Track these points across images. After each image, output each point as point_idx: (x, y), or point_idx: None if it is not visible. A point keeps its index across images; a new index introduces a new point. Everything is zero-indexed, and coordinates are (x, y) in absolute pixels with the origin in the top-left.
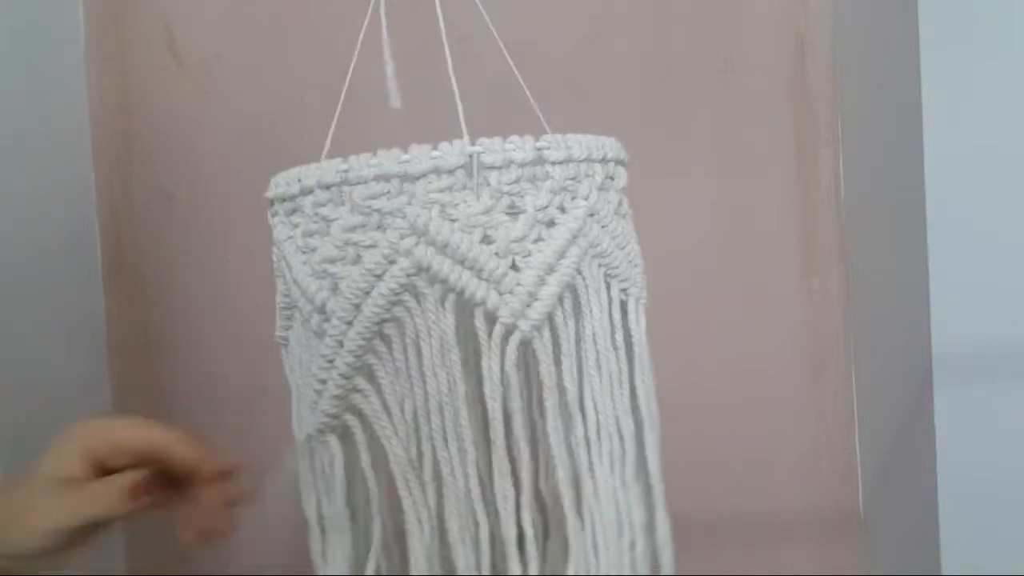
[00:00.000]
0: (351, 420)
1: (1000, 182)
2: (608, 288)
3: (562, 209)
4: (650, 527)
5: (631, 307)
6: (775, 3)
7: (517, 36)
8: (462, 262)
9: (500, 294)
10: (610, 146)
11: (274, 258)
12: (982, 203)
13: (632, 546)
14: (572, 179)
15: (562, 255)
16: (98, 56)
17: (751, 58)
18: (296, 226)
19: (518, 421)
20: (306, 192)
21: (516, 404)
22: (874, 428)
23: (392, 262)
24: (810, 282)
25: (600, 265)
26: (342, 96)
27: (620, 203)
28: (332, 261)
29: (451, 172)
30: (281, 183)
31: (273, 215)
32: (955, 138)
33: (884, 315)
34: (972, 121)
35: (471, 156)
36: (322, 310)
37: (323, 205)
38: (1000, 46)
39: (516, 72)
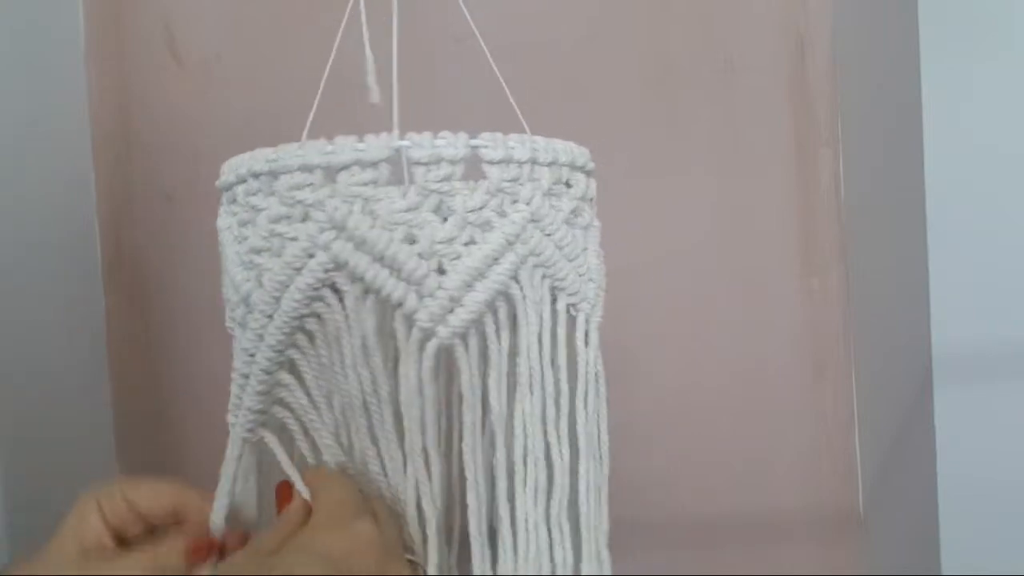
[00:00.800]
0: (281, 412)
1: (1000, 182)
2: (553, 301)
3: (501, 213)
4: (576, 570)
5: (580, 323)
6: (775, 3)
7: (517, 36)
8: (380, 260)
9: (420, 297)
10: (564, 151)
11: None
12: (982, 203)
13: None
14: (511, 181)
15: (495, 261)
16: (98, 56)
17: (751, 58)
18: (233, 215)
19: (430, 435)
20: (240, 180)
21: (430, 416)
22: (874, 428)
23: (311, 256)
24: (810, 282)
25: (544, 276)
26: (319, 91)
27: (576, 212)
28: (258, 252)
29: (375, 166)
30: (224, 171)
31: (219, 203)
32: (955, 138)
33: (884, 315)
34: (972, 121)
35: (397, 150)
36: (246, 301)
37: (254, 194)
38: (1000, 46)
39: (496, 71)
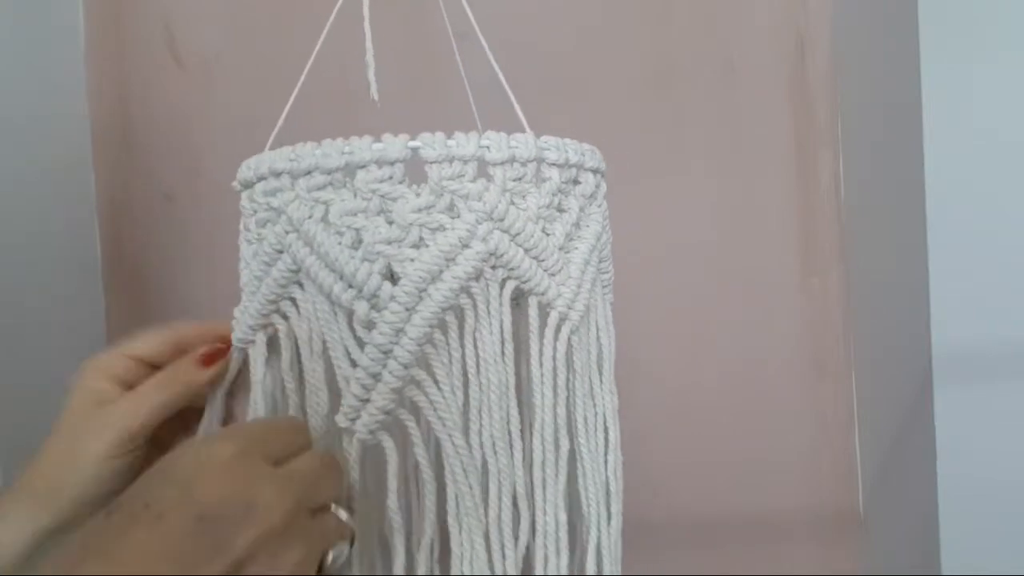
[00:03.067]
0: (403, 414)
1: (1000, 182)
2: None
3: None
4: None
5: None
6: (775, 3)
7: (517, 35)
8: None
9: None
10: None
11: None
12: (982, 203)
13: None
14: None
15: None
16: (98, 56)
17: (751, 58)
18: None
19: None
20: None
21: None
22: (874, 428)
23: (466, 246)
24: (810, 282)
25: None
26: (297, 88)
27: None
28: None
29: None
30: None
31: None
32: (955, 138)
33: (884, 315)
34: (972, 121)
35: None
36: (374, 297)
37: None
38: (1000, 46)
39: (498, 70)
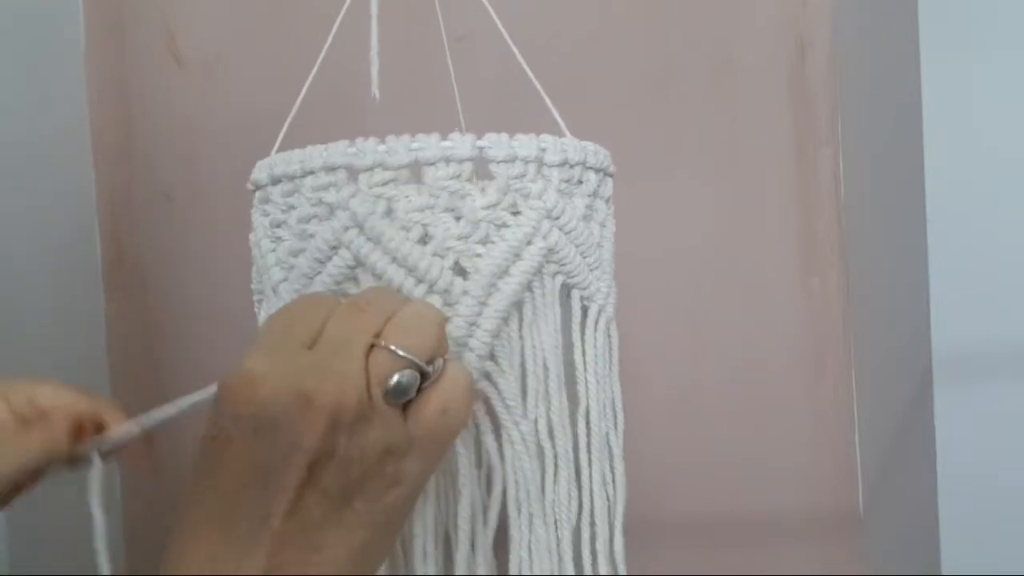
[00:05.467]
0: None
1: (1000, 182)
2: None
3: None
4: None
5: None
6: (775, 3)
7: (516, 35)
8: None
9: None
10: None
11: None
12: (982, 203)
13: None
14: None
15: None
16: (98, 56)
17: (751, 58)
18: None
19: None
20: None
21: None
22: (874, 428)
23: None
24: (810, 282)
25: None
26: (305, 87)
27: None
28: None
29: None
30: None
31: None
32: (955, 138)
33: (884, 315)
34: (972, 121)
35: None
36: (448, 291)
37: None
38: (1000, 46)
39: (526, 67)
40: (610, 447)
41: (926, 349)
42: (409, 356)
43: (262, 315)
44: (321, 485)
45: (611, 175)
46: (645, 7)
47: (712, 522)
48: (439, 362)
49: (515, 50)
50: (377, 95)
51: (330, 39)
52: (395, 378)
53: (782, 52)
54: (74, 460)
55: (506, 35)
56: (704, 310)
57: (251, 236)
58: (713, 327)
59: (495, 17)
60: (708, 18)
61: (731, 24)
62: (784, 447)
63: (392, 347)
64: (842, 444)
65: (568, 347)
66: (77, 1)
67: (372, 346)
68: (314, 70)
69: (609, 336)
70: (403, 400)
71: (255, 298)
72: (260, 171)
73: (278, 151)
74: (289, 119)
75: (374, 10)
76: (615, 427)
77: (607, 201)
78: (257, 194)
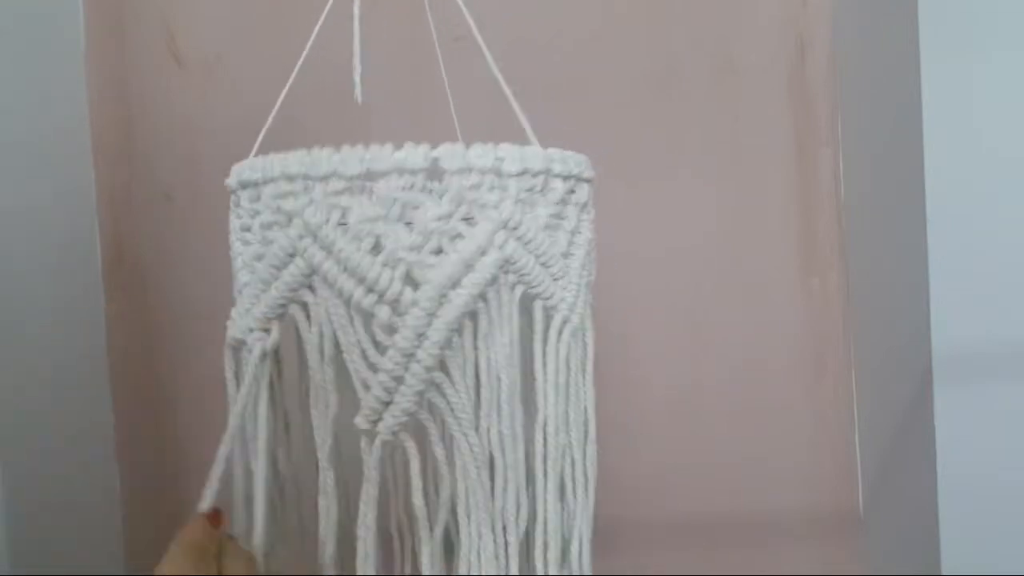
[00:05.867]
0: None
1: (1000, 182)
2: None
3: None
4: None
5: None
6: (775, 3)
7: (517, 35)
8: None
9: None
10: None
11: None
12: (982, 203)
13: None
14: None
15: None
16: (98, 56)
17: (751, 58)
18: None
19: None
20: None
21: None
22: (874, 428)
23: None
24: (810, 282)
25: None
26: (284, 91)
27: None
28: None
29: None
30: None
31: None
32: (955, 138)
33: (884, 315)
34: (972, 121)
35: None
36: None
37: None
38: (1000, 46)
39: (497, 72)
40: (573, 457)
41: (926, 349)
42: None
43: (228, 325)
44: None
45: (587, 180)
46: (647, 7)
47: (712, 522)
48: None
49: (488, 55)
50: (359, 100)
51: (312, 38)
52: None
53: (783, 52)
54: None
55: (481, 43)
56: (704, 310)
57: (230, 238)
58: (713, 327)
59: (472, 25)
60: (709, 18)
61: (731, 24)
62: (784, 447)
63: None
64: (842, 444)
65: (529, 358)
66: (77, 1)
67: None
68: (295, 71)
69: (585, 343)
70: None
71: (234, 296)
72: (232, 176)
73: (256, 153)
74: (268, 122)
75: (356, 16)
76: (584, 436)
77: (583, 207)
78: (232, 197)
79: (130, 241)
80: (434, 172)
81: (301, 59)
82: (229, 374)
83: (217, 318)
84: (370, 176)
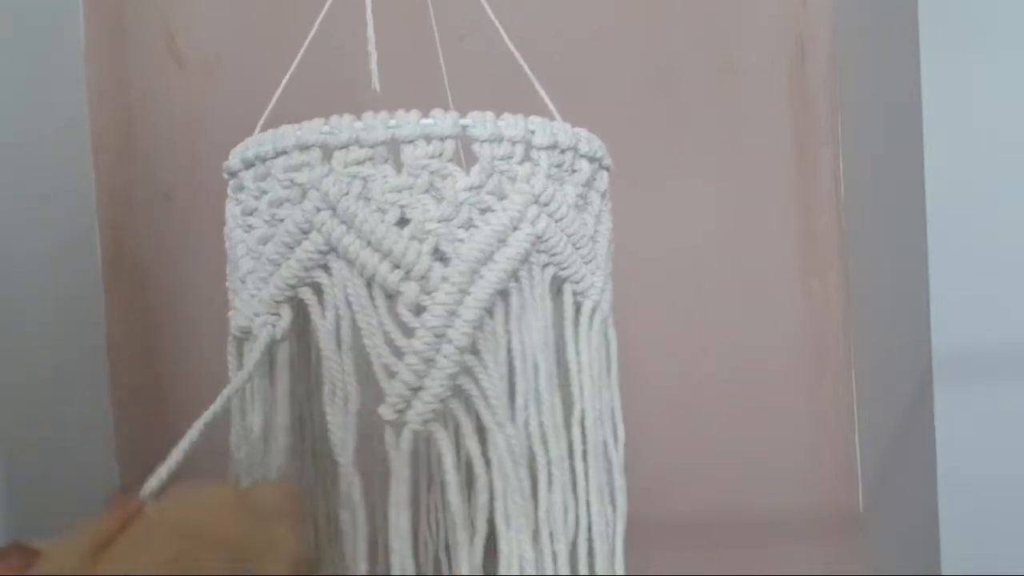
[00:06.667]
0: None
1: (1000, 182)
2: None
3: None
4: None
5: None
6: (775, 3)
7: (516, 34)
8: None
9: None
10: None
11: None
12: (982, 203)
13: None
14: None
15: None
16: (98, 56)
17: (751, 58)
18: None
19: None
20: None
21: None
22: (874, 428)
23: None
24: (810, 282)
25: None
26: (288, 74)
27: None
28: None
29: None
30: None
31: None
32: (955, 138)
33: (884, 315)
34: (972, 121)
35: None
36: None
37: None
38: (1000, 46)
39: (523, 63)
40: (608, 458)
41: (926, 349)
42: None
43: (231, 316)
44: None
45: (607, 168)
46: (647, 6)
47: (712, 522)
48: None
49: (509, 44)
50: (378, 88)
51: (312, 33)
52: None
53: (782, 52)
54: None
55: (503, 32)
56: (704, 310)
57: (224, 230)
58: (713, 327)
59: (495, 20)
60: (708, 19)
61: (731, 24)
62: (784, 447)
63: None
64: (842, 444)
65: (560, 347)
66: (77, 1)
67: None
68: (293, 65)
69: (607, 337)
70: None
71: (229, 297)
72: (233, 157)
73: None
74: (266, 112)
75: (368, 6)
76: (614, 437)
77: (603, 195)
78: (231, 183)
79: (130, 241)
80: (462, 140)
81: (302, 50)
82: (233, 369)
83: (217, 318)
84: (394, 144)
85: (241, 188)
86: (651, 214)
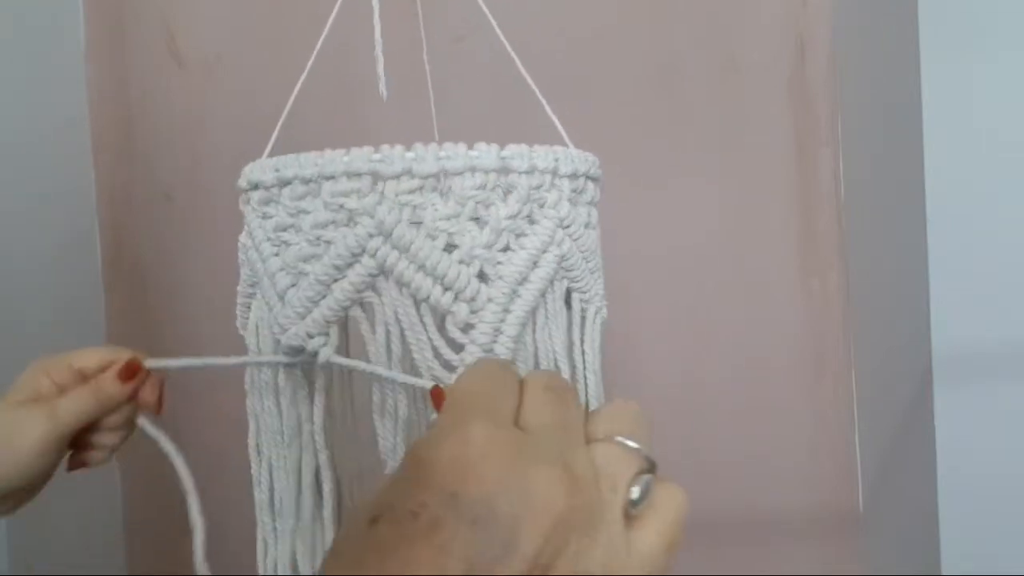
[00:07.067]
0: None
1: (1000, 182)
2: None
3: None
4: None
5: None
6: (775, 3)
7: (519, 35)
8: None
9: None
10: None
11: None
12: (982, 203)
13: None
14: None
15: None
16: (98, 56)
17: (752, 58)
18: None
19: None
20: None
21: None
22: (874, 428)
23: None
24: (810, 282)
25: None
26: (297, 87)
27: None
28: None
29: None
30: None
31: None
32: (955, 138)
33: (884, 315)
34: (972, 121)
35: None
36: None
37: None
38: (1000, 46)
39: (525, 74)
40: None
41: (926, 349)
42: (646, 453)
43: (252, 318)
44: None
45: (599, 181)
46: (648, 7)
47: (712, 521)
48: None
49: (512, 53)
50: (385, 94)
51: (321, 39)
52: (640, 486)
53: (782, 52)
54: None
55: (503, 38)
56: (705, 309)
57: (242, 236)
58: (714, 326)
59: (494, 22)
60: (709, 19)
61: (732, 24)
62: (784, 447)
63: (628, 441)
64: (842, 444)
65: (569, 347)
66: (77, 1)
67: (591, 440)
68: (305, 72)
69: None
70: (637, 512)
71: (241, 300)
72: (263, 172)
73: (271, 152)
74: (281, 120)
75: (376, 10)
76: None
77: (595, 206)
78: (255, 195)
79: (130, 241)
80: (502, 171)
81: (312, 58)
82: (271, 385)
83: (217, 318)
84: (443, 175)
85: (269, 202)
86: (653, 213)
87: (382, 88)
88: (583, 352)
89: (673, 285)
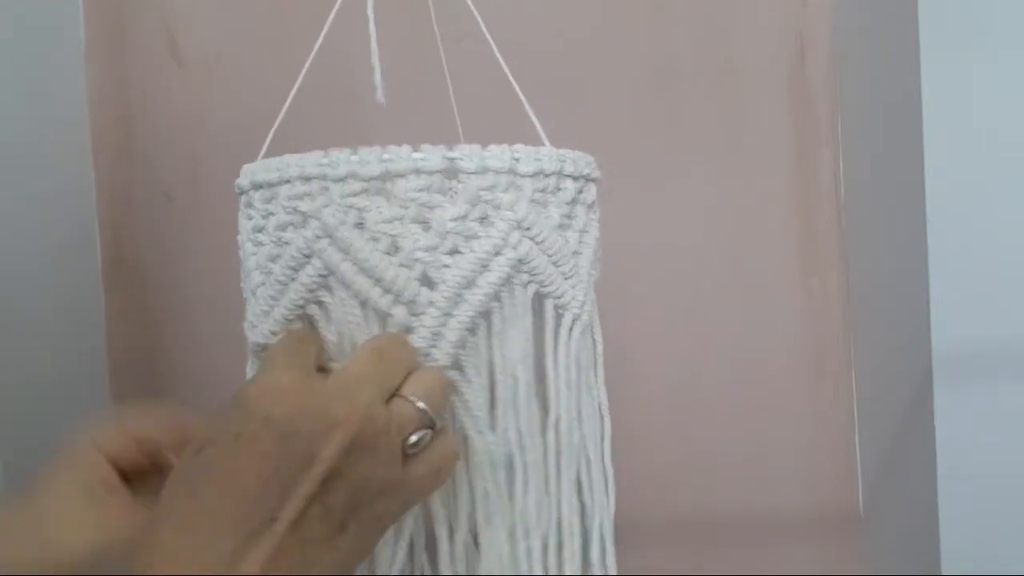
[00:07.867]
0: None
1: (1000, 182)
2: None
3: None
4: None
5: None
6: (775, 3)
7: (515, 36)
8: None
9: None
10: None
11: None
12: (982, 203)
13: None
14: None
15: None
16: (98, 56)
17: (751, 58)
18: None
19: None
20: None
21: None
22: (874, 428)
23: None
24: (810, 282)
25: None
26: (294, 90)
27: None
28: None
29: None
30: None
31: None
32: (955, 138)
33: (884, 315)
34: (972, 121)
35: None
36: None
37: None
38: (1000, 46)
39: (507, 71)
40: (588, 455)
41: (926, 349)
42: (430, 414)
43: (248, 317)
44: (327, 501)
45: (594, 180)
46: (646, 8)
47: (711, 522)
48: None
49: (499, 56)
50: (383, 100)
51: (320, 40)
52: (417, 436)
53: (782, 52)
54: None
55: (491, 42)
56: (704, 310)
57: (238, 237)
58: (713, 327)
59: (482, 24)
60: (708, 19)
61: (731, 24)
62: (784, 447)
63: (419, 403)
64: (842, 444)
65: (542, 356)
66: (77, 1)
67: (395, 395)
68: (302, 73)
69: (594, 341)
70: (413, 453)
71: (245, 297)
72: (244, 176)
73: (266, 154)
74: (276, 123)
75: (371, 15)
76: (601, 434)
77: (589, 207)
78: (242, 198)
79: (130, 241)
80: (450, 172)
81: (310, 58)
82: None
83: (218, 318)
84: (387, 177)
85: (251, 205)
86: (651, 214)
87: (379, 95)
88: (555, 360)
89: (672, 285)
